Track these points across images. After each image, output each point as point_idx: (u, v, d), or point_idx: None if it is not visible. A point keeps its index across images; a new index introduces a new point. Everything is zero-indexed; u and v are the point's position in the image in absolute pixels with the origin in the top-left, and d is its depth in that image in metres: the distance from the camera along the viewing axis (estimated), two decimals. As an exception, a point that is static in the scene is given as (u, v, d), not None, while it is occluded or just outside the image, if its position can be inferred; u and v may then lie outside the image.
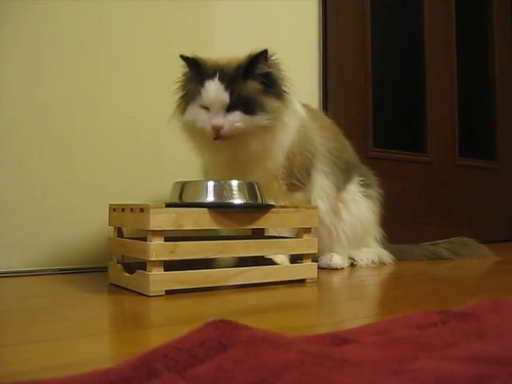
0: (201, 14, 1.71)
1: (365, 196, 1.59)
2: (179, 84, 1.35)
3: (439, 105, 2.48)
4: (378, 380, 0.50)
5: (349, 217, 1.54)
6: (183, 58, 1.30)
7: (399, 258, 1.74)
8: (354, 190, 1.58)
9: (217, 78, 1.24)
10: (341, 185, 1.53)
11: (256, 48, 1.27)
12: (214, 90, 1.23)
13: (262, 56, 1.26)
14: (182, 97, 1.33)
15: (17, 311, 0.93)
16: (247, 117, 1.24)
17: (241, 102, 1.23)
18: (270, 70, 1.28)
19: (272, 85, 1.29)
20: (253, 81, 1.26)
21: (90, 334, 0.77)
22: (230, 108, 1.23)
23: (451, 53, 2.55)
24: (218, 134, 1.24)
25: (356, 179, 1.59)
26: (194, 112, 1.28)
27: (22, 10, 1.41)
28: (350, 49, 2.12)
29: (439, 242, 1.92)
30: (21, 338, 0.74)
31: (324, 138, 1.50)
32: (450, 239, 1.93)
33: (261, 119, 1.25)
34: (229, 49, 1.76)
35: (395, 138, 2.37)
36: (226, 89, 1.23)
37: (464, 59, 2.62)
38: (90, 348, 0.68)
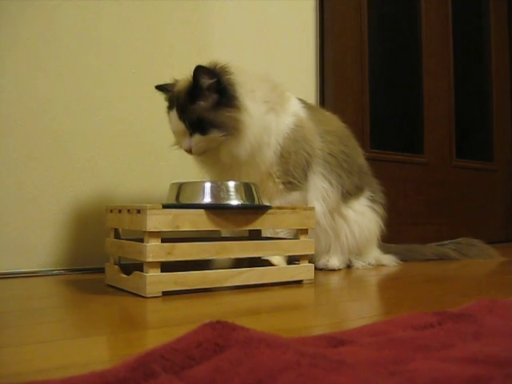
0: (199, 14, 1.71)
1: (372, 209, 1.60)
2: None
3: (436, 106, 2.48)
4: (374, 381, 0.50)
5: (356, 226, 1.54)
6: (156, 87, 1.40)
7: (406, 258, 1.76)
8: (363, 202, 1.59)
9: (175, 108, 1.33)
10: (351, 188, 1.53)
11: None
12: (173, 119, 1.35)
13: (199, 72, 1.28)
14: None
15: (14, 312, 0.92)
16: (203, 137, 1.31)
17: (194, 125, 1.31)
18: (213, 81, 1.30)
19: (223, 94, 1.31)
20: (201, 100, 1.31)
21: (87, 335, 0.76)
22: (191, 131, 1.32)
23: (448, 54, 2.56)
24: (192, 154, 1.35)
25: (367, 193, 1.61)
26: (176, 139, 1.40)
27: (22, 10, 1.40)
28: (347, 50, 2.12)
29: (445, 242, 1.94)
30: (18, 339, 0.74)
31: (326, 141, 1.50)
32: (456, 240, 1.95)
33: (215, 136, 1.31)
34: (227, 49, 1.76)
35: (392, 139, 2.37)
36: (180, 117, 1.32)
37: (461, 61, 2.63)
38: (87, 349, 0.68)
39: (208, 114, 1.30)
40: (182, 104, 1.32)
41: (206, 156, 1.37)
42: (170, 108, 1.37)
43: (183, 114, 1.31)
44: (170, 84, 1.39)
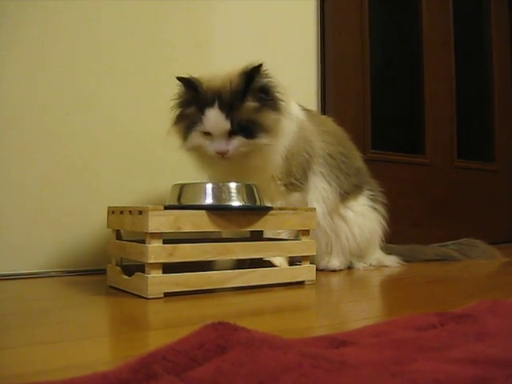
0: (199, 14, 1.71)
1: (373, 209, 1.60)
2: (177, 102, 1.36)
3: (437, 106, 2.48)
4: (376, 382, 0.50)
5: (356, 226, 1.54)
6: (180, 79, 1.32)
7: (409, 258, 1.76)
8: (363, 202, 1.58)
9: (216, 106, 1.26)
10: (349, 188, 1.53)
11: (251, 60, 1.29)
12: (214, 118, 1.26)
13: (257, 71, 1.27)
14: (181, 121, 1.35)
15: (16, 314, 0.93)
16: (249, 141, 1.28)
17: (243, 126, 1.27)
18: (264, 83, 1.30)
19: (268, 97, 1.30)
20: (250, 100, 1.28)
21: (89, 336, 0.76)
22: (231, 133, 1.27)
23: (449, 55, 2.56)
24: (222, 157, 1.29)
25: (366, 192, 1.60)
26: (197, 139, 1.31)
27: (22, 11, 1.41)
28: (348, 50, 2.12)
29: (448, 243, 1.94)
30: (20, 340, 0.74)
31: (325, 142, 1.50)
32: (458, 240, 1.95)
33: (262, 140, 1.29)
34: (228, 50, 1.76)
35: (393, 139, 2.37)
36: (227, 117, 1.26)
37: (462, 61, 2.62)
38: (89, 350, 0.68)
39: (258, 115, 1.28)
40: (230, 102, 1.27)
41: (221, 165, 1.33)
42: (206, 106, 1.27)
43: (231, 114, 1.26)
44: (196, 78, 1.32)
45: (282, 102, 1.33)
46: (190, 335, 0.60)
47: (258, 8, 1.86)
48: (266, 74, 1.31)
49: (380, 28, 2.32)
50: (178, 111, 1.36)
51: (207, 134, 1.29)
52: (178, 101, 1.36)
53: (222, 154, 1.28)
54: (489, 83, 2.82)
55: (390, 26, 2.42)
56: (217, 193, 1.16)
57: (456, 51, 2.58)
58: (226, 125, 1.26)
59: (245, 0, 1.82)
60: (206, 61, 1.72)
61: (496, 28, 2.82)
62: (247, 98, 1.27)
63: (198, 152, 1.35)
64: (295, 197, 1.41)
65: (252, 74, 1.27)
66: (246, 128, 1.27)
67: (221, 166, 1.34)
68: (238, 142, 1.27)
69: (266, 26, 1.88)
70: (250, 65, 1.28)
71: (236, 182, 1.20)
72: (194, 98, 1.30)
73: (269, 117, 1.29)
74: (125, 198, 1.53)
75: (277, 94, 1.32)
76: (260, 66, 1.27)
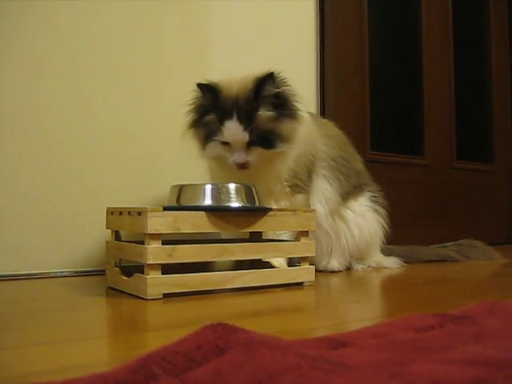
0: (198, 16, 1.71)
1: (373, 210, 1.59)
2: (194, 107, 1.36)
3: (436, 107, 2.48)
4: (374, 383, 0.50)
5: (355, 227, 1.54)
6: (200, 85, 1.31)
7: (409, 259, 1.76)
8: (364, 203, 1.58)
9: (235, 117, 1.27)
10: (349, 189, 1.53)
11: (260, 68, 1.29)
12: (233, 129, 1.27)
13: (269, 79, 1.28)
14: (199, 127, 1.35)
15: (15, 315, 0.92)
16: (267, 151, 1.30)
17: (261, 137, 1.28)
18: (279, 90, 1.30)
19: (283, 105, 1.30)
20: (265, 109, 1.29)
21: (88, 337, 0.76)
22: (250, 144, 1.28)
23: (449, 56, 2.56)
24: (241, 168, 1.30)
25: (367, 194, 1.60)
26: (216, 149, 1.32)
27: (22, 12, 1.41)
28: (348, 52, 2.12)
29: (448, 244, 1.94)
30: (19, 341, 0.74)
31: (327, 145, 1.51)
32: (458, 241, 1.95)
33: (280, 149, 1.31)
34: (227, 51, 1.76)
35: (392, 141, 2.37)
36: (245, 129, 1.27)
37: (461, 62, 2.63)
38: (88, 351, 0.68)
39: (275, 125, 1.29)
40: (248, 113, 1.27)
41: (236, 173, 1.32)
42: (225, 117, 1.27)
43: (249, 126, 1.26)
44: (215, 85, 1.31)
45: (300, 111, 1.34)
46: (188, 336, 0.60)
47: (258, 9, 1.86)
48: (284, 82, 1.32)
49: (379, 30, 2.32)
50: (195, 116, 1.36)
51: (226, 143, 1.30)
52: (195, 105, 1.35)
53: (242, 166, 1.29)
54: (488, 84, 2.82)
55: (390, 28, 2.42)
56: (216, 194, 1.16)
57: (455, 52, 2.59)
58: (244, 137, 1.27)
59: (244, 1, 1.83)
60: (205, 62, 1.72)
61: (495, 29, 2.83)
62: (262, 107, 1.28)
63: (217, 161, 1.37)
64: (299, 198, 1.42)
65: (264, 83, 1.27)
66: (264, 138, 1.28)
67: (236, 173, 1.33)
68: (256, 152, 1.29)
69: (266, 27, 1.88)
70: (262, 73, 1.28)
71: (236, 182, 1.20)
72: (213, 105, 1.30)
73: (286, 126, 1.30)
74: (124, 199, 1.53)
75: (294, 103, 1.32)
76: (271, 74, 1.27)
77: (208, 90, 1.31)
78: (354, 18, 2.15)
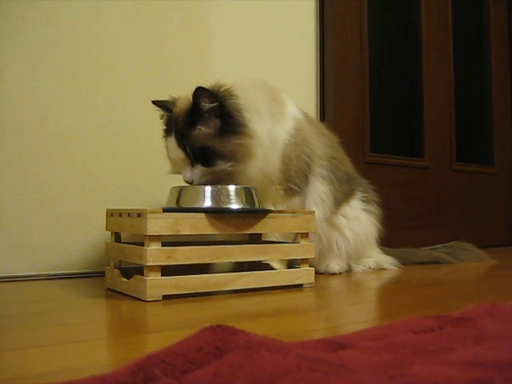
0: (199, 18, 1.72)
1: (367, 211, 1.58)
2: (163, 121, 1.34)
3: (436, 109, 2.48)
4: (374, 385, 0.50)
5: (350, 232, 1.53)
6: (154, 103, 1.30)
7: (402, 261, 1.76)
8: (356, 205, 1.56)
9: (173, 134, 1.23)
10: (341, 197, 1.51)
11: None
12: (171, 147, 1.24)
13: (200, 95, 1.18)
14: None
15: (15, 316, 0.92)
16: (208, 169, 1.22)
17: (197, 155, 1.21)
18: (215, 104, 1.20)
19: (227, 120, 1.21)
20: (202, 126, 1.21)
21: (88, 339, 0.76)
22: (193, 162, 1.22)
23: (448, 58, 2.56)
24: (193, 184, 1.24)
25: (359, 195, 1.58)
26: (172, 166, 1.31)
27: (22, 13, 1.41)
28: (348, 54, 2.12)
29: (438, 246, 1.96)
30: (19, 343, 0.74)
31: (322, 143, 1.50)
32: (448, 244, 1.98)
33: (222, 167, 1.21)
34: (227, 53, 1.77)
35: (392, 142, 2.37)
36: (179, 145, 1.22)
37: (461, 64, 2.63)
38: (88, 353, 0.68)
39: (213, 142, 1.20)
40: (182, 129, 1.21)
41: None
42: (167, 133, 1.26)
43: (183, 141, 1.21)
44: (169, 101, 1.29)
45: (248, 126, 1.23)
46: (188, 338, 0.60)
47: (257, 11, 1.86)
48: (230, 95, 1.23)
49: (379, 31, 2.32)
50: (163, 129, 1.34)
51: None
52: (163, 119, 1.34)
53: (190, 183, 1.24)
54: (487, 86, 2.82)
55: (389, 30, 2.42)
56: (216, 195, 1.16)
57: (455, 54, 2.59)
58: (180, 154, 1.22)
59: (244, 2, 1.83)
60: (205, 64, 1.72)
61: (495, 31, 2.83)
62: (201, 124, 1.20)
63: None
64: (295, 202, 1.40)
65: (196, 97, 1.18)
66: (201, 155, 1.20)
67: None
68: (198, 171, 1.22)
69: (266, 29, 1.88)
70: (194, 88, 1.19)
71: (235, 184, 1.20)
72: (164, 122, 1.31)
73: (229, 143, 1.21)
74: (124, 201, 1.53)
75: (241, 117, 1.23)
76: (199, 89, 1.17)
77: (162, 106, 1.30)
78: (354, 20, 2.15)
